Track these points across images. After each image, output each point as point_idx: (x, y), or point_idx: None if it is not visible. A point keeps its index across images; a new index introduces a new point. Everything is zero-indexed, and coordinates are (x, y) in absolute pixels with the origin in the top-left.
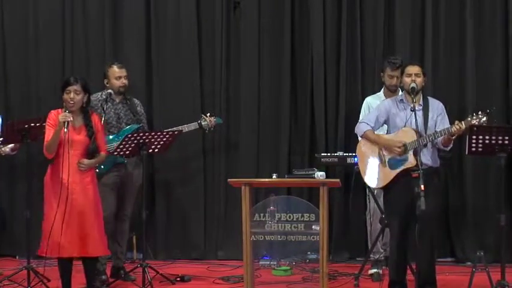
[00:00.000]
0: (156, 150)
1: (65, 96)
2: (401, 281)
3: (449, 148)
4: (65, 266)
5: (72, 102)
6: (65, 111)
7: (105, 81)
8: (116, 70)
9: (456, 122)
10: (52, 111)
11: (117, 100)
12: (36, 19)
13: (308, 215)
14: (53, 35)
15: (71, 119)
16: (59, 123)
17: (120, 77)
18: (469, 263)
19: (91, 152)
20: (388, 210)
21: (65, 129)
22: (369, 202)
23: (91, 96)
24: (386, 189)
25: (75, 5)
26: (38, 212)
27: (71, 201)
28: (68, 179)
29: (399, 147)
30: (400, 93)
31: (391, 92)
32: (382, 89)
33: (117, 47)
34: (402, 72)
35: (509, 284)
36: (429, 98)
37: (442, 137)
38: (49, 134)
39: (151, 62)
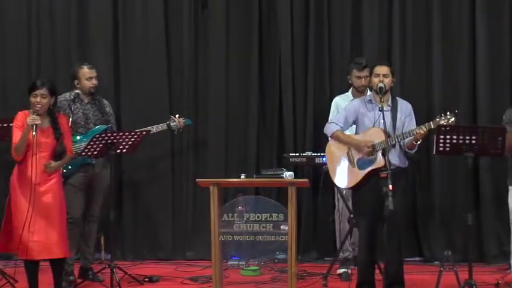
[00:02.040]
0: (124, 150)
1: (32, 99)
2: (369, 281)
3: (414, 151)
4: (32, 267)
5: (39, 106)
6: (33, 114)
7: (75, 81)
8: (86, 71)
9: (419, 126)
10: (19, 112)
11: (86, 100)
12: (2, 20)
13: (276, 215)
14: (19, 35)
15: (39, 122)
16: (27, 126)
17: (91, 78)
18: (436, 263)
19: (59, 153)
20: (356, 210)
21: (34, 133)
22: (338, 202)
23: (59, 96)
24: (355, 189)
25: (41, 5)
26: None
27: (38, 203)
28: (35, 180)
29: (368, 147)
30: (369, 93)
31: (359, 92)
32: (350, 89)
33: (84, 47)
34: (371, 73)
35: (477, 283)
36: (398, 98)
37: (408, 138)
38: (17, 135)
39: (119, 62)
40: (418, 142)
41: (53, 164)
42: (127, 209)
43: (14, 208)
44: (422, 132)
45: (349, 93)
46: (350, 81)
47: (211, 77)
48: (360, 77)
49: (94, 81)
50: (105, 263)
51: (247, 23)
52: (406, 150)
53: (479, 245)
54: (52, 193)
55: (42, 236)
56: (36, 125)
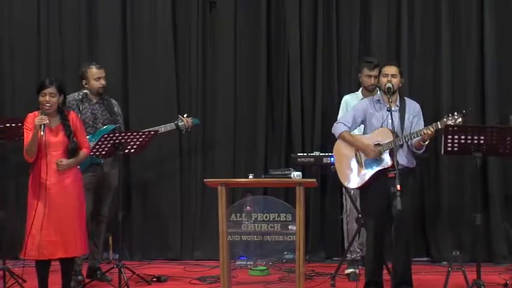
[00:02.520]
0: (132, 150)
1: (41, 99)
2: (377, 281)
3: (421, 151)
4: (43, 267)
5: (48, 105)
6: (42, 114)
7: (84, 82)
8: (95, 71)
9: (426, 127)
10: (29, 114)
11: (94, 100)
12: (12, 21)
13: (284, 215)
14: (28, 37)
15: (47, 121)
16: (35, 126)
17: (99, 78)
18: (444, 263)
19: (71, 151)
20: (364, 210)
21: (42, 132)
22: (346, 202)
23: (67, 97)
24: (363, 189)
25: (50, 7)
26: (15, 212)
27: (50, 203)
28: (47, 180)
29: (374, 151)
30: (378, 93)
31: (369, 91)
32: (360, 89)
33: (93, 47)
34: (379, 72)
35: (485, 284)
36: (406, 98)
37: (416, 139)
38: (27, 137)
39: (128, 63)
40: (426, 142)
41: (65, 161)
42: (135, 209)
43: (29, 209)
44: (429, 132)
45: (359, 93)
46: (360, 80)
47: (219, 77)
48: (370, 76)
49: (102, 82)
50: (113, 263)
51: (256, 23)
52: (414, 150)
53: (487, 245)
54: (67, 192)
55: (55, 235)
56: (44, 124)
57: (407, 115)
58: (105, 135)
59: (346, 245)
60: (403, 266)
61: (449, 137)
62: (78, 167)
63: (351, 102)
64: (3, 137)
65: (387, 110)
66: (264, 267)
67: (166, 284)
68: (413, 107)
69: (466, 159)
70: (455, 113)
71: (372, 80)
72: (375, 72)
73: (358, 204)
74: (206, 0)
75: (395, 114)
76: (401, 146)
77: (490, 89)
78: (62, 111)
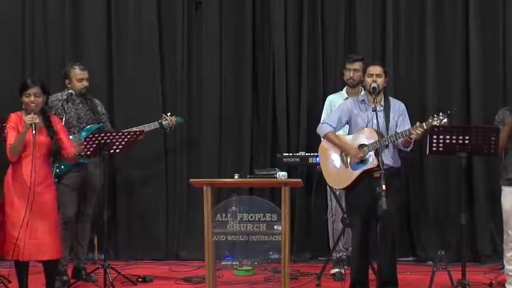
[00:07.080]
0: (118, 150)
1: (25, 99)
2: (363, 281)
3: (409, 149)
4: (22, 267)
5: (33, 105)
6: (27, 115)
7: (67, 81)
8: (78, 72)
9: (416, 124)
10: (12, 114)
11: (78, 100)
12: None
13: (270, 215)
14: (13, 35)
15: (38, 120)
16: (25, 125)
17: (82, 79)
18: (430, 262)
19: (54, 152)
20: (349, 210)
21: (33, 131)
22: (331, 202)
23: (52, 96)
24: (348, 189)
25: (35, 6)
26: None
27: (35, 203)
28: (32, 180)
29: (358, 158)
30: (362, 93)
31: (350, 87)
32: (345, 87)
33: (77, 47)
34: (364, 72)
35: (470, 283)
36: (391, 98)
37: (402, 138)
38: (11, 137)
39: (112, 62)
40: (413, 139)
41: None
42: (120, 208)
43: (9, 209)
44: (419, 132)
45: (343, 91)
46: (344, 78)
47: (204, 77)
48: (349, 70)
49: (85, 83)
50: (99, 263)
51: (241, 23)
52: (402, 148)
53: (472, 244)
54: (49, 193)
55: (37, 237)
56: (35, 123)
57: (392, 115)
58: (90, 135)
59: (331, 244)
60: (388, 265)
61: (435, 137)
62: (60, 167)
63: (335, 101)
64: None
65: (372, 110)
66: (250, 267)
67: (152, 284)
68: (398, 106)
69: (451, 159)
70: (441, 114)
71: (351, 73)
72: (354, 66)
73: (343, 204)
74: (191, 0)
75: (380, 114)
76: (387, 146)
77: (475, 89)
78: (44, 111)
